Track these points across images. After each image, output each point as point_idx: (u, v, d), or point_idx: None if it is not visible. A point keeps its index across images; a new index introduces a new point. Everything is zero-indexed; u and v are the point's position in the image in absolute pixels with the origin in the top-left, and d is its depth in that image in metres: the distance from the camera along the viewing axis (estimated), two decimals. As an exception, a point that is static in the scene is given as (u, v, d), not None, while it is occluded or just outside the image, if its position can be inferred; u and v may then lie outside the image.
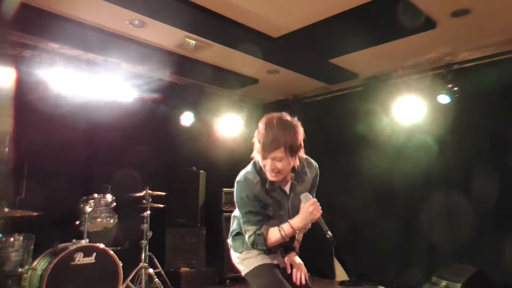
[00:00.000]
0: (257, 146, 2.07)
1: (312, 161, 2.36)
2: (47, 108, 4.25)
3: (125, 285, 4.05)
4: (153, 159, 5.08)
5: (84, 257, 3.69)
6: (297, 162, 2.12)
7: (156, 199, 4.49)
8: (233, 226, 2.33)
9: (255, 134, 2.10)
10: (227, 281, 5.06)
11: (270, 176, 2.06)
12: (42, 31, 3.79)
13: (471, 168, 4.36)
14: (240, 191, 2.13)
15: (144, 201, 4.38)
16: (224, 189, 5.43)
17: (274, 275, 2.11)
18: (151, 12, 3.48)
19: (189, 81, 5.20)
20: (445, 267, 3.96)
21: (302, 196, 2.08)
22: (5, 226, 3.50)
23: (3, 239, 3.44)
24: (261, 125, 2.08)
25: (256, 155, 2.09)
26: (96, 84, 4.42)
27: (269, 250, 2.17)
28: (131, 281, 4.17)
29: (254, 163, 2.17)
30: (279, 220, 2.14)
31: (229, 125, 5.65)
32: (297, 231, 2.22)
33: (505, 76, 4.08)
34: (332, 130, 5.59)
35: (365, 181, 5.15)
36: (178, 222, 5.16)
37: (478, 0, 3.32)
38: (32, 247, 3.64)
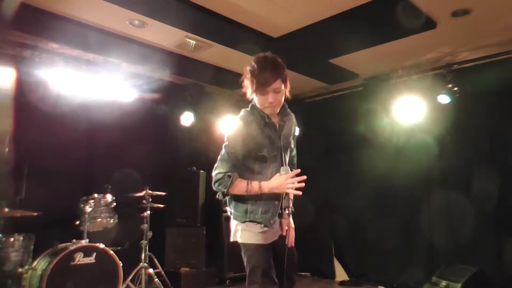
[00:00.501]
0: (250, 86, 2.18)
1: (289, 111, 2.42)
2: (47, 108, 4.25)
3: (125, 285, 4.05)
4: (153, 159, 5.08)
5: (84, 257, 3.68)
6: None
7: (156, 199, 4.49)
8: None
9: (247, 76, 2.21)
10: (227, 281, 5.05)
11: (269, 110, 2.19)
12: (42, 31, 3.79)
13: (471, 168, 4.36)
14: (235, 132, 2.20)
15: (144, 201, 4.38)
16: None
17: (266, 260, 2.15)
18: (151, 12, 3.48)
19: (189, 81, 5.20)
20: (445, 267, 3.97)
21: (282, 169, 2.13)
22: (5, 226, 3.50)
23: (3, 239, 3.44)
24: (254, 64, 2.19)
25: (252, 95, 2.20)
26: (96, 84, 4.42)
27: (269, 222, 2.15)
28: (131, 281, 4.17)
29: (251, 106, 2.27)
30: (273, 163, 2.18)
31: (229, 125, 5.65)
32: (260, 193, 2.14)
33: (505, 76, 4.08)
34: (332, 130, 5.59)
35: (365, 181, 5.15)
36: (178, 222, 5.15)
37: (478, 0, 3.32)
38: (32, 247, 3.63)
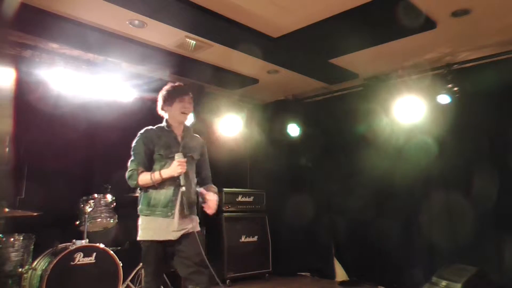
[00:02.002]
0: (166, 100, 2.74)
1: (198, 135, 2.97)
2: (47, 108, 4.25)
3: (125, 285, 4.05)
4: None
5: (84, 257, 3.69)
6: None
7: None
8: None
9: (161, 97, 2.78)
10: (227, 281, 5.06)
11: (182, 118, 2.73)
12: (42, 31, 3.79)
13: (471, 168, 4.35)
14: (137, 139, 2.73)
15: (144, 201, 4.37)
16: (224, 189, 5.43)
17: (154, 256, 2.63)
18: (151, 12, 3.49)
19: (189, 81, 5.20)
20: (445, 267, 3.96)
21: (176, 155, 2.59)
22: (5, 226, 3.50)
23: (3, 239, 3.44)
24: (167, 87, 2.80)
25: (167, 109, 2.75)
26: (96, 84, 4.42)
27: (166, 213, 2.61)
28: (131, 281, 4.18)
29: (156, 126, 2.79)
30: (171, 161, 2.61)
31: (229, 125, 5.65)
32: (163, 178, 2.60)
33: (505, 76, 4.08)
34: (332, 130, 5.60)
35: (365, 181, 5.15)
36: (178, 222, 5.15)
37: (478, 0, 3.32)
38: (32, 247, 3.64)
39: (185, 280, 2.62)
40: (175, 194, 2.63)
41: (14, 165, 3.94)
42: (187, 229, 2.65)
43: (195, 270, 2.59)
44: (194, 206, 2.75)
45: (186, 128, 2.83)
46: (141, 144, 2.68)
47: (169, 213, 2.61)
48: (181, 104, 2.71)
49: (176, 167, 2.56)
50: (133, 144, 2.72)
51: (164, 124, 2.79)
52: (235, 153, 6.07)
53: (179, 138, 2.76)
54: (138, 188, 2.75)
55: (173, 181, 2.61)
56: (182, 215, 2.64)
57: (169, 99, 2.73)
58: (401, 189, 4.83)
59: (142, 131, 2.76)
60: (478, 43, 4.15)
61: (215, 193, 2.82)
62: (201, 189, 2.83)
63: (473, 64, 4.40)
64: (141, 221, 2.69)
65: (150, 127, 2.78)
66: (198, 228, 2.79)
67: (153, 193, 2.64)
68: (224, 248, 5.15)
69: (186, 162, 2.62)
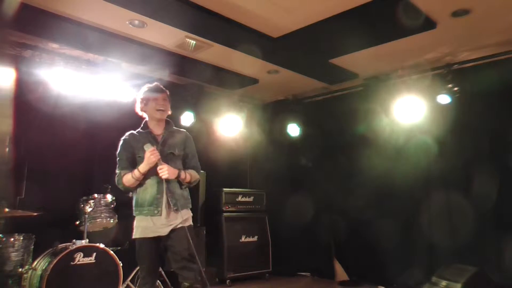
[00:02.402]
0: (142, 101, 2.91)
1: (183, 130, 3.07)
2: (47, 108, 4.25)
3: (125, 285, 4.05)
4: (153, 159, 5.07)
5: (84, 257, 3.69)
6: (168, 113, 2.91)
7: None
8: None
9: (138, 99, 2.95)
10: (227, 281, 5.06)
11: (157, 115, 2.83)
12: (42, 31, 3.79)
13: (471, 168, 4.35)
14: (119, 145, 2.88)
15: (144, 201, 4.37)
16: (224, 189, 5.44)
17: (147, 252, 2.77)
18: (151, 12, 3.49)
19: (189, 81, 5.20)
20: (445, 267, 3.96)
21: (145, 146, 2.72)
22: (5, 226, 3.50)
23: (3, 239, 3.44)
24: (143, 87, 2.95)
25: (144, 109, 2.90)
26: (96, 84, 4.41)
27: (152, 211, 2.73)
28: (131, 281, 4.17)
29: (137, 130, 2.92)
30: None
31: (229, 125, 5.65)
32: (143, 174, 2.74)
33: (505, 76, 4.08)
34: (332, 130, 5.60)
35: (365, 181, 5.15)
36: (178, 222, 5.15)
37: (478, 0, 3.32)
38: (32, 247, 3.64)
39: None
40: (159, 191, 2.75)
41: (14, 165, 3.94)
42: (175, 224, 2.74)
43: (183, 266, 2.68)
44: (182, 200, 2.84)
45: (167, 126, 2.93)
46: (122, 151, 2.85)
47: (156, 211, 2.72)
48: (155, 102, 2.84)
49: (148, 157, 2.68)
50: (117, 151, 2.88)
51: (142, 126, 2.93)
52: (235, 153, 6.07)
53: (159, 137, 2.87)
54: (130, 192, 2.93)
55: (156, 179, 2.75)
56: (169, 211, 2.75)
57: (144, 99, 2.89)
58: (401, 189, 4.83)
59: (123, 137, 2.91)
60: (478, 43, 4.15)
61: (179, 169, 2.84)
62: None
63: (473, 64, 4.40)
64: (135, 220, 2.82)
65: (131, 131, 2.91)
66: (189, 223, 2.86)
67: (140, 193, 2.78)
68: (224, 248, 5.14)
69: (167, 158, 2.78)
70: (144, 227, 2.74)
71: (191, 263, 2.69)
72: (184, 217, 2.79)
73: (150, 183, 2.76)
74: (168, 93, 2.96)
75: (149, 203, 2.74)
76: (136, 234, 2.78)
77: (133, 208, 2.83)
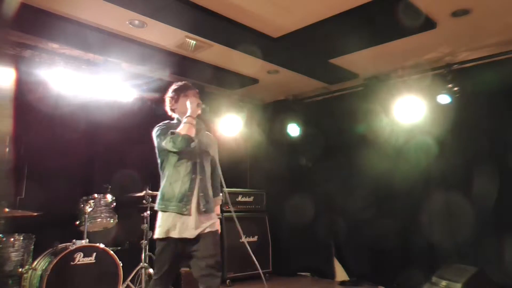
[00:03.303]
0: (172, 99, 2.79)
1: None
2: (47, 108, 4.25)
3: (125, 285, 4.05)
4: (153, 159, 5.06)
5: (84, 257, 3.69)
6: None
7: (156, 199, 4.47)
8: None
9: (167, 98, 2.83)
10: (227, 281, 5.05)
11: (195, 112, 2.64)
12: (42, 31, 3.79)
13: (471, 168, 4.35)
14: (159, 128, 2.68)
15: (144, 201, 4.38)
16: (224, 189, 5.42)
17: (170, 255, 2.54)
18: (151, 12, 3.49)
19: (189, 81, 5.19)
20: (445, 267, 3.96)
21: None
22: (5, 226, 3.50)
23: (3, 239, 3.44)
24: (172, 86, 2.85)
25: (175, 107, 2.78)
26: (96, 84, 4.42)
27: (181, 208, 2.53)
28: (131, 281, 4.17)
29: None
30: (185, 157, 2.61)
31: (229, 125, 5.65)
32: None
33: (505, 76, 4.08)
34: (332, 130, 5.59)
35: (365, 181, 5.15)
36: (178, 222, 5.14)
37: (478, 0, 3.32)
38: (32, 247, 3.64)
39: (198, 282, 2.53)
40: (191, 188, 2.57)
41: (14, 165, 3.94)
42: (203, 228, 2.55)
43: (207, 273, 2.48)
44: (211, 202, 2.69)
45: (199, 124, 2.75)
46: (164, 129, 2.65)
47: (184, 209, 2.52)
48: (186, 98, 2.72)
49: (193, 103, 2.63)
50: (157, 132, 2.67)
51: (176, 121, 2.77)
52: (235, 153, 6.06)
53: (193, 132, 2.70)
54: (162, 180, 2.70)
55: (190, 175, 2.59)
56: (199, 212, 2.57)
57: (175, 97, 2.78)
58: (401, 189, 4.83)
59: (160, 123, 2.73)
60: (478, 43, 4.15)
61: (218, 215, 2.79)
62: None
63: (473, 64, 4.40)
64: (158, 218, 2.61)
65: (167, 121, 2.78)
66: (217, 228, 2.68)
67: (169, 186, 2.59)
68: (224, 248, 5.14)
69: (203, 156, 2.68)
70: (170, 226, 2.51)
71: (216, 270, 2.51)
72: (211, 220, 2.63)
73: (184, 177, 2.58)
74: (196, 90, 2.85)
75: (178, 199, 2.54)
76: (160, 233, 2.53)
77: (157, 201, 2.63)
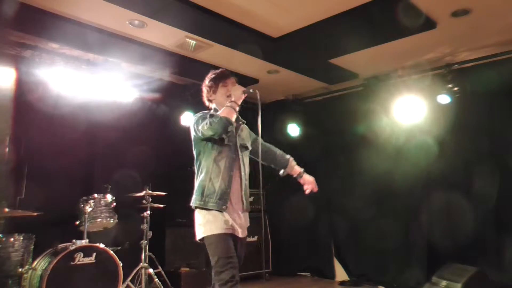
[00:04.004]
0: (210, 88, 2.63)
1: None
2: (47, 108, 4.25)
3: (125, 285, 4.05)
4: (153, 159, 5.08)
5: (84, 257, 3.69)
6: None
7: (156, 199, 4.48)
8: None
9: (204, 88, 2.67)
10: (227, 281, 5.05)
11: (240, 99, 2.50)
12: (42, 31, 3.79)
13: (471, 168, 4.35)
14: (198, 115, 2.51)
15: (144, 201, 4.38)
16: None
17: (228, 247, 2.32)
18: (151, 12, 3.49)
19: (189, 81, 5.20)
20: (445, 267, 3.96)
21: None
22: (5, 226, 3.50)
23: (3, 239, 3.44)
24: (209, 75, 2.67)
25: (213, 97, 2.63)
26: (96, 84, 4.42)
27: (221, 205, 2.36)
28: (131, 281, 4.17)
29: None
30: (225, 150, 2.46)
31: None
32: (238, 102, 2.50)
33: (505, 76, 4.08)
34: (332, 130, 5.59)
35: (365, 181, 5.15)
36: (178, 222, 5.15)
37: (478, 0, 3.32)
38: (32, 247, 3.63)
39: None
40: (230, 186, 2.42)
41: (14, 165, 3.93)
42: (240, 231, 2.43)
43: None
44: (248, 201, 2.55)
45: (238, 120, 2.62)
46: (202, 116, 2.49)
47: (224, 206, 2.36)
48: (225, 88, 2.58)
49: (237, 89, 2.51)
50: (195, 119, 2.51)
51: (214, 112, 2.59)
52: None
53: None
54: (197, 176, 2.50)
55: (229, 170, 2.43)
56: (242, 210, 2.45)
57: (213, 86, 2.62)
58: (401, 189, 4.83)
59: (199, 113, 2.56)
60: (478, 43, 4.15)
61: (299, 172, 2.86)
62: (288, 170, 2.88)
63: (473, 64, 4.40)
64: (198, 217, 2.42)
65: (206, 111, 2.61)
66: (245, 234, 2.54)
67: (208, 181, 2.40)
68: (224, 248, 5.13)
69: (242, 152, 2.55)
70: (222, 221, 2.34)
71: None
72: (248, 224, 2.51)
73: (223, 173, 2.41)
74: (235, 78, 2.69)
75: (218, 196, 2.37)
76: (210, 230, 2.34)
77: (195, 197, 2.44)
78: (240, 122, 2.65)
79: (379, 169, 4.98)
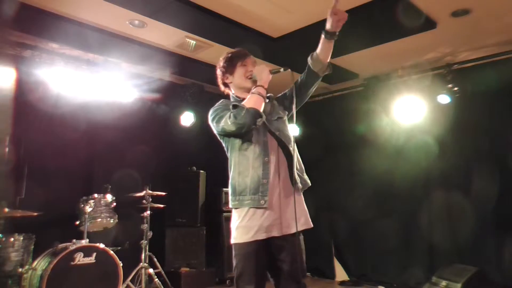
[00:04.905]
0: (226, 69, 2.28)
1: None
2: (47, 108, 4.25)
3: (125, 285, 4.05)
4: (153, 159, 5.08)
5: (84, 257, 3.68)
6: None
7: (156, 199, 4.49)
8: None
9: (219, 70, 2.33)
10: (227, 281, 5.05)
11: (248, 84, 2.22)
12: (42, 31, 3.79)
13: (471, 168, 4.36)
14: (217, 107, 2.21)
15: (144, 201, 4.38)
16: (224, 189, 5.42)
17: (257, 261, 1.98)
18: (151, 12, 3.49)
19: (189, 81, 5.20)
20: (445, 267, 3.97)
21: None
22: (5, 226, 3.50)
23: (3, 239, 3.44)
24: (224, 55, 2.32)
25: (229, 79, 2.29)
26: (96, 84, 4.42)
27: (258, 201, 1.99)
28: (131, 281, 4.17)
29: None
30: (257, 131, 2.11)
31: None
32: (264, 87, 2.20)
33: (505, 76, 4.08)
34: (332, 130, 5.59)
35: (365, 181, 5.15)
36: (178, 222, 5.15)
37: (478, 0, 3.32)
38: (32, 247, 3.63)
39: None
40: (265, 175, 2.02)
41: (14, 165, 3.93)
42: (291, 224, 2.01)
43: (292, 285, 2.01)
44: (299, 184, 2.10)
45: (269, 99, 2.32)
46: (222, 107, 2.18)
47: (262, 201, 1.98)
48: (244, 68, 2.24)
49: (263, 70, 2.21)
50: (212, 115, 2.20)
51: (232, 99, 2.27)
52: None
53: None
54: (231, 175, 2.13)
55: (261, 158, 2.04)
56: (281, 201, 2.02)
57: (229, 66, 2.26)
58: (401, 189, 4.83)
59: (215, 105, 2.24)
60: (478, 43, 4.15)
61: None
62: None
63: (473, 64, 4.40)
64: (233, 218, 2.09)
65: (222, 100, 2.30)
66: (309, 225, 2.12)
67: (237, 177, 2.06)
68: (224, 248, 5.14)
69: (278, 125, 2.20)
70: (253, 225, 1.98)
71: (301, 284, 2.03)
72: (301, 215, 2.04)
73: (254, 162, 2.04)
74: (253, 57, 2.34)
75: (252, 190, 2.01)
76: (241, 236, 2.01)
77: (230, 197, 2.09)
78: (268, 100, 2.26)
79: (379, 169, 4.98)
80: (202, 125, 5.54)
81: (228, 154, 2.18)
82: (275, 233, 2.00)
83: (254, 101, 2.06)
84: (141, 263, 4.22)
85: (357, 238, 5.25)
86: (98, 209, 4.13)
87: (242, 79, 2.23)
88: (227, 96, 2.39)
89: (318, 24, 3.71)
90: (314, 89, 2.47)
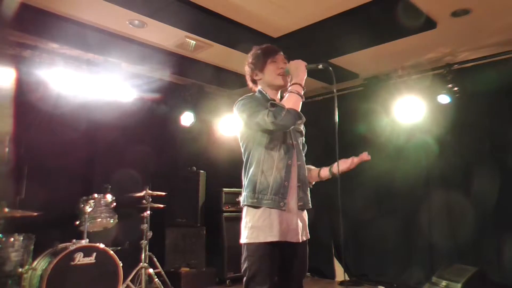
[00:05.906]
0: (256, 65, 2.20)
1: None
2: (47, 108, 4.25)
3: (125, 285, 4.05)
4: (153, 159, 5.08)
5: (84, 257, 3.68)
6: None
7: (156, 199, 4.49)
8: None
9: (250, 60, 2.25)
10: (227, 281, 5.05)
11: (278, 81, 2.17)
12: (42, 31, 3.79)
13: (471, 168, 4.36)
14: (244, 101, 2.11)
15: (144, 201, 4.38)
16: (224, 189, 5.43)
17: (272, 263, 1.92)
18: (151, 12, 3.49)
19: (189, 81, 5.20)
20: (445, 267, 3.96)
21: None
22: (5, 226, 3.50)
23: (3, 239, 3.44)
24: (253, 51, 2.25)
25: (259, 76, 2.20)
26: (96, 84, 4.42)
27: (278, 202, 1.95)
28: (131, 281, 4.17)
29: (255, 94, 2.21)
30: (283, 133, 2.09)
31: (229, 125, 5.65)
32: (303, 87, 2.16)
33: (505, 76, 4.08)
34: (332, 130, 5.58)
35: (365, 181, 5.14)
36: (178, 222, 5.15)
37: (478, 0, 3.32)
38: (32, 247, 3.63)
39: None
40: (287, 178, 2.00)
41: (14, 165, 3.93)
42: (303, 232, 2.04)
43: None
44: (309, 195, 2.15)
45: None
46: (254, 101, 2.11)
47: (282, 203, 1.95)
48: (274, 65, 2.17)
49: (297, 68, 2.16)
50: (241, 107, 2.12)
51: (259, 94, 2.20)
52: (235, 153, 6.05)
53: None
54: (245, 172, 2.08)
55: (285, 160, 2.03)
56: (300, 206, 2.03)
57: (259, 62, 2.19)
58: (401, 189, 4.83)
59: (242, 97, 2.17)
60: (478, 43, 4.15)
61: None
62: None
63: (473, 64, 4.39)
64: (246, 216, 1.99)
65: (250, 94, 2.23)
66: (308, 236, 2.12)
67: (260, 174, 1.99)
68: (224, 248, 5.14)
69: (297, 137, 2.21)
70: (269, 226, 1.91)
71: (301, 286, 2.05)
72: (306, 224, 2.08)
73: (278, 163, 2.00)
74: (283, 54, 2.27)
75: (274, 191, 1.95)
76: (256, 236, 1.91)
77: (246, 194, 2.01)
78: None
79: (379, 169, 4.97)
80: (202, 125, 5.55)
81: (247, 150, 2.09)
82: (291, 238, 1.97)
83: (294, 101, 2.05)
84: (141, 263, 4.22)
85: (357, 238, 5.24)
86: (98, 209, 4.13)
87: (273, 76, 2.17)
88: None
89: (318, 24, 3.72)
90: None
